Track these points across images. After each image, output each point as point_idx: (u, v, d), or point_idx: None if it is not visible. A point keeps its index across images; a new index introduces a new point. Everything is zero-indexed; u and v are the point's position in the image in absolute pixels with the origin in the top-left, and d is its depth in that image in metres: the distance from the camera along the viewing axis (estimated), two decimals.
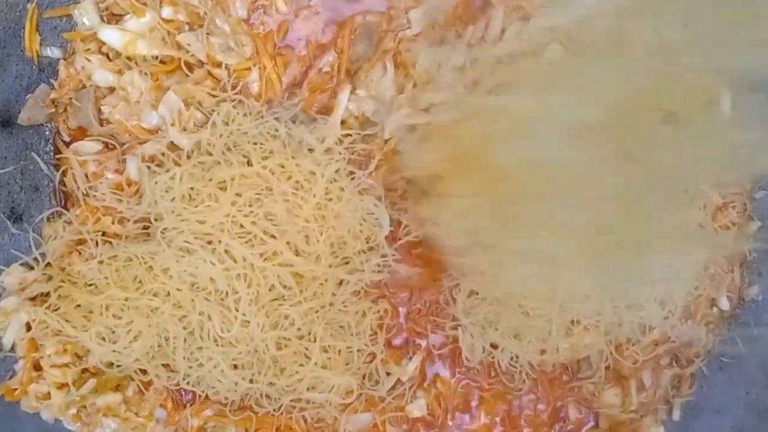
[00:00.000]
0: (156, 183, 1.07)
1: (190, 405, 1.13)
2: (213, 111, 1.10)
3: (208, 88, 1.11)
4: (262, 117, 1.10)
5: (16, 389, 1.06)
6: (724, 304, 1.19)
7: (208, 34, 1.11)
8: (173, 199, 1.06)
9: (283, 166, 1.07)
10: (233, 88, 1.12)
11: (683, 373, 1.18)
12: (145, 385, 1.11)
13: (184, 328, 1.06)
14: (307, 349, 1.09)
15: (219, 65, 1.11)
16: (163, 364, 1.09)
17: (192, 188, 1.06)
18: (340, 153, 1.10)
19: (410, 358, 1.17)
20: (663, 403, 1.19)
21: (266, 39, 1.14)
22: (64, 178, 1.13)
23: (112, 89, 1.12)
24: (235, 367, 1.08)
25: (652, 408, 1.17)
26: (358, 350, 1.12)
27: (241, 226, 1.05)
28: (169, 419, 1.12)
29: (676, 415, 1.19)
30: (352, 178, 1.11)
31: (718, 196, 1.17)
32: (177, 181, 1.06)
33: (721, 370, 1.19)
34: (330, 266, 1.09)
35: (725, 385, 1.18)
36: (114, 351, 1.06)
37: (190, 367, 1.07)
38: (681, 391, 1.19)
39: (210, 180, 1.06)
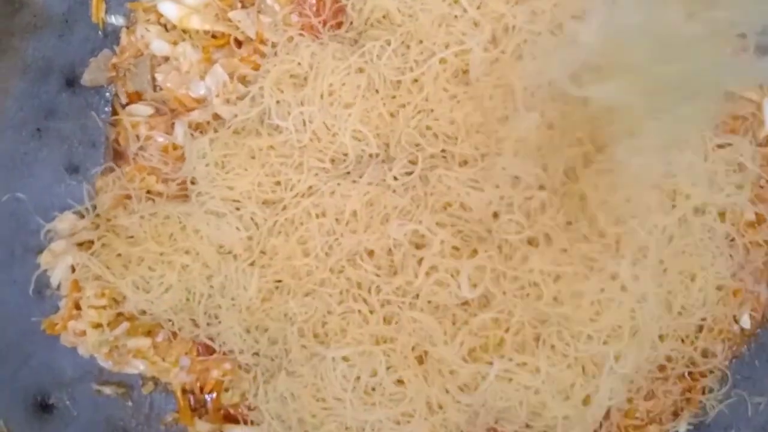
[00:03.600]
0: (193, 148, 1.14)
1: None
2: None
3: (253, 63, 1.17)
4: None
5: (56, 324, 1.15)
6: (746, 322, 1.16)
7: (258, 12, 1.17)
8: (208, 164, 1.13)
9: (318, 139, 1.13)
10: None
11: (694, 385, 1.16)
12: (174, 334, 1.19)
13: (211, 286, 1.14)
14: None
15: (266, 42, 1.17)
16: (190, 318, 1.17)
17: (225, 155, 1.13)
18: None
19: None
20: (670, 414, 1.17)
21: None
22: (119, 137, 1.22)
23: (166, 58, 1.20)
24: (248, 331, 1.14)
25: (658, 417, 1.16)
26: None
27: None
28: (192, 368, 1.20)
29: (682, 427, 1.17)
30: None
31: (750, 211, 1.13)
32: (211, 148, 1.13)
33: (734, 388, 1.16)
34: None
35: (736, 403, 1.15)
36: (146, 300, 1.14)
37: (209, 324, 1.15)
38: (690, 404, 1.16)
39: (242, 149, 1.12)
